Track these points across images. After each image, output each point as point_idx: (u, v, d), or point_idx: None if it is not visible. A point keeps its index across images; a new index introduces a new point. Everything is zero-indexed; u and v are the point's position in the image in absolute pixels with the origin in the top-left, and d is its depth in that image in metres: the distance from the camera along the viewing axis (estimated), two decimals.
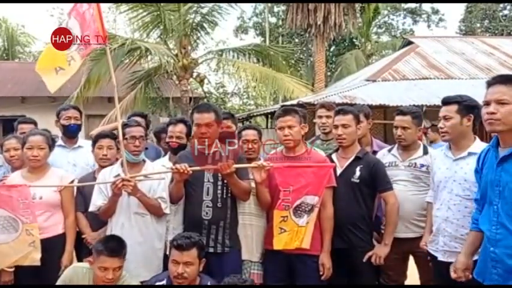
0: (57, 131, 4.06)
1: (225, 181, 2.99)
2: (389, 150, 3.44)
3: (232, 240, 3.05)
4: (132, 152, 3.08)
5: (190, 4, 11.98)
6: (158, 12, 11.90)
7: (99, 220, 3.18)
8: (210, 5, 12.15)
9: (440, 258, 2.79)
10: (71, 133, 3.90)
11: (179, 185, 2.97)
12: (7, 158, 3.56)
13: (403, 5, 27.81)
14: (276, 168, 2.94)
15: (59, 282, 2.86)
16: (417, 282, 3.43)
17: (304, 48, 26.15)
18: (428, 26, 28.66)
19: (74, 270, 2.90)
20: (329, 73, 24.49)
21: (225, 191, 3.03)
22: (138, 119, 3.86)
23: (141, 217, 3.04)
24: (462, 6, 28.35)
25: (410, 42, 16.49)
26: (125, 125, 3.15)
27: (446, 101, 2.81)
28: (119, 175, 2.99)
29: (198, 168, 2.90)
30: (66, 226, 3.27)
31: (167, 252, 2.97)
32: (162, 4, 11.79)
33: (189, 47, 12.55)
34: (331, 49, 25.40)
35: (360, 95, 11.79)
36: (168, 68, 11.80)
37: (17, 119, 4.25)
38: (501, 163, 2.19)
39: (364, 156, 3.18)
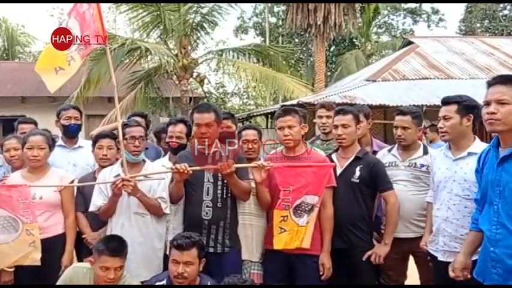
0: (57, 131, 4.06)
1: (225, 181, 3.00)
2: (390, 150, 3.44)
3: (232, 240, 3.05)
4: (132, 152, 3.08)
5: (190, 4, 11.99)
6: (158, 12, 11.90)
7: (99, 220, 3.18)
8: (210, 5, 12.15)
9: (440, 258, 2.79)
10: (71, 133, 3.91)
11: (179, 185, 2.97)
12: (7, 158, 3.56)
13: (403, 5, 27.81)
14: (276, 168, 2.94)
15: (59, 282, 2.86)
16: (417, 282, 3.43)
17: (304, 48, 26.15)
18: (428, 26, 28.70)
19: (74, 270, 2.90)
20: (329, 73, 24.49)
21: (225, 191, 3.03)
22: (138, 119, 3.86)
23: (141, 217, 3.04)
24: (462, 6, 28.42)
25: (410, 42, 16.48)
26: (124, 125, 3.15)
27: (446, 101, 2.81)
28: (119, 175, 2.99)
29: (198, 168, 2.90)
30: (66, 226, 3.27)
31: (167, 252, 2.97)
32: (162, 4, 11.80)
33: (189, 47, 12.56)
34: (331, 49, 25.40)
35: (360, 95, 11.79)
36: (168, 68, 11.80)
37: (17, 119, 4.25)
38: (501, 163, 2.20)
39: (364, 156, 3.18)
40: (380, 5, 23.60)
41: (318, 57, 17.58)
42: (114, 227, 3.05)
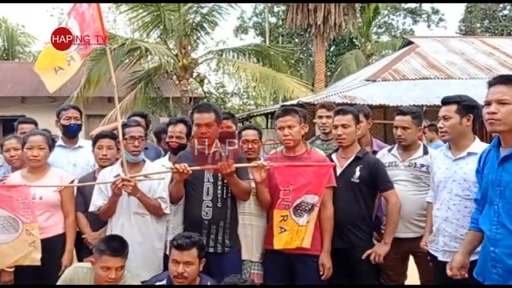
0: (57, 131, 4.06)
1: (225, 181, 2.99)
2: (390, 150, 3.44)
3: (232, 240, 3.05)
4: (132, 152, 3.08)
5: (190, 4, 11.99)
6: (158, 12, 11.91)
7: (99, 220, 3.18)
8: (210, 5, 12.16)
9: (440, 258, 2.79)
10: (71, 133, 3.91)
11: (179, 185, 2.97)
12: (7, 158, 3.56)
13: (403, 5, 27.80)
14: (276, 168, 2.94)
15: (59, 282, 2.86)
16: (417, 282, 3.43)
17: (304, 48, 26.15)
18: (428, 26, 28.69)
19: (75, 270, 2.89)
20: (329, 73, 24.49)
21: (225, 191, 3.03)
22: (138, 119, 3.86)
23: (141, 217, 3.04)
24: (462, 6, 28.41)
25: (410, 42, 16.48)
26: (124, 125, 3.15)
27: (446, 101, 2.81)
28: (119, 175, 2.99)
29: (197, 168, 2.89)
30: (66, 226, 3.27)
31: (167, 252, 2.97)
32: (162, 4, 11.80)
33: (189, 47, 12.56)
34: (331, 49, 25.40)
35: (360, 95, 11.79)
36: (168, 68, 11.81)
37: (17, 119, 4.25)
38: (502, 163, 2.20)
39: (364, 156, 3.18)
40: (380, 5, 23.59)
41: (318, 57, 17.58)
42: (114, 227, 3.05)
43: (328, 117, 3.79)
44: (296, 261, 3.01)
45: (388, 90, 12.24)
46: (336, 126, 3.19)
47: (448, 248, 2.74)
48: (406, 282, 3.47)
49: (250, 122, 16.34)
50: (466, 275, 2.49)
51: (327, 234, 3.03)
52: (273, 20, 27.33)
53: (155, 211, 3.04)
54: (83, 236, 3.31)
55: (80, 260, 3.36)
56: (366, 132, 3.73)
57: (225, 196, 3.04)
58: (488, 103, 2.22)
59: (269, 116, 16.55)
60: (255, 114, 17.74)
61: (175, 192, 3.02)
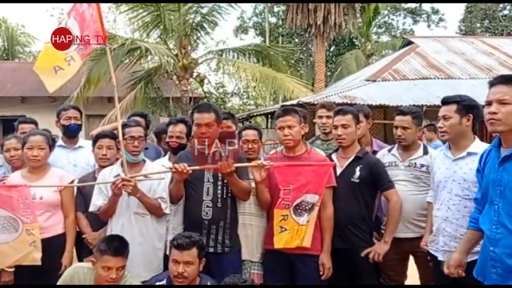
0: (57, 131, 4.06)
1: (225, 181, 3.00)
2: (390, 150, 3.44)
3: (232, 240, 3.05)
4: (131, 152, 3.08)
5: (190, 4, 12.00)
6: (158, 12, 11.91)
7: (99, 220, 3.18)
8: (210, 5, 12.16)
9: (440, 258, 2.79)
10: (71, 133, 3.91)
11: (179, 185, 2.97)
12: (7, 158, 3.56)
13: (403, 5, 27.80)
14: (276, 167, 2.94)
15: (59, 282, 2.86)
16: (417, 282, 3.43)
17: (304, 48, 26.15)
18: (428, 26, 28.69)
19: (75, 270, 2.89)
20: (329, 73, 24.49)
21: (225, 191, 3.03)
22: (138, 119, 3.86)
23: (141, 217, 3.05)
24: (462, 6, 28.41)
25: (410, 42, 16.48)
26: (124, 125, 3.15)
27: (446, 101, 2.82)
28: (119, 175, 2.99)
29: (197, 167, 2.89)
30: (66, 226, 3.27)
31: (167, 252, 2.97)
32: (162, 4, 11.80)
33: (189, 47, 12.57)
34: (331, 49, 25.40)
35: (360, 95, 11.80)
36: (168, 68, 11.81)
37: (17, 119, 4.25)
38: (503, 163, 2.20)
39: (364, 156, 3.18)
40: (380, 5, 23.59)
41: (318, 57, 17.58)
42: (114, 227, 3.05)
43: (328, 117, 3.78)
44: (296, 261, 3.01)
45: (388, 90, 12.24)
46: (335, 127, 3.19)
47: (448, 248, 2.74)
48: (406, 282, 3.47)
49: (250, 122, 16.34)
50: (463, 274, 2.50)
51: (327, 234, 3.02)
52: (273, 20, 27.33)
53: (155, 211, 3.04)
54: (83, 236, 3.30)
55: (80, 260, 3.36)
56: (365, 132, 3.73)
57: (225, 196, 3.04)
58: (489, 103, 2.22)
59: (269, 116, 16.55)
60: (255, 114, 17.73)
61: (175, 192, 3.02)
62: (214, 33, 15.28)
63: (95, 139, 3.51)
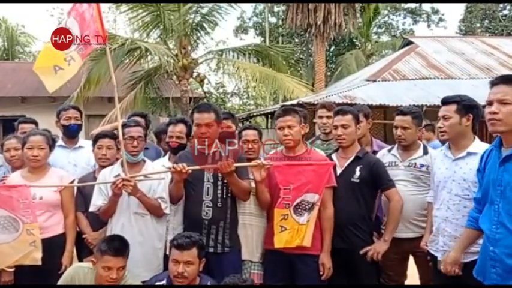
0: (57, 131, 4.06)
1: (225, 181, 3.00)
2: (390, 150, 3.44)
3: (232, 240, 3.05)
4: (131, 152, 3.08)
5: (190, 4, 11.99)
6: (158, 12, 11.91)
7: (99, 220, 3.18)
8: (210, 5, 12.16)
9: (440, 258, 2.79)
10: (71, 133, 3.91)
11: (179, 185, 2.97)
12: (7, 158, 3.56)
13: (403, 5, 27.80)
14: (276, 167, 2.94)
15: (59, 282, 2.86)
16: (417, 282, 3.43)
17: (304, 48, 26.14)
18: (428, 26, 28.68)
19: (75, 270, 2.89)
20: (329, 73, 24.48)
21: (225, 191, 3.04)
22: (138, 119, 3.86)
23: (141, 217, 3.05)
24: (462, 6, 28.41)
25: (410, 42, 16.49)
26: (124, 125, 3.16)
27: (446, 101, 2.82)
28: (119, 175, 3.00)
29: (197, 167, 2.90)
30: (66, 226, 3.27)
31: (167, 252, 2.97)
32: (162, 4, 11.80)
33: (189, 47, 12.56)
34: (331, 49, 25.40)
35: (360, 95, 11.80)
36: (168, 68, 11.81)
37: (17, 119, 4.25)
38: (503, 163, 2.20)
39: (364, 156, 3.18)
40: (380, 5, 23.59)
41: (318, 57, 17.58)
42: (114, 227, 3.05)
43: (328, 117, 3.79)
44: (296, 261, 3.01)
45: (388, 90, 12.24)
46: (335, 127, 3.19)
47: (448, 247, 2.74)
48: (406, 282, 3.47)
49: (250, 122, 16.34)
50: (460, 272, 2.50)
51: (327, 234, 3.02)
52: (273, 20, 27.32)
53: (155, 211, 3.04)
54: (83, 236, 3.31)
55: (80, 260, 3.36)
56: (365, 132, 3.74)
57: (225, 196, 3.04)
58: (490, 103, 2.22)
59: (269, 116, 16.55)
60: (255, 114, 17.74)
61: (175, 192, 3.03)
62: (214, 33, 15.31)
63: (95, 139, 3.51)
